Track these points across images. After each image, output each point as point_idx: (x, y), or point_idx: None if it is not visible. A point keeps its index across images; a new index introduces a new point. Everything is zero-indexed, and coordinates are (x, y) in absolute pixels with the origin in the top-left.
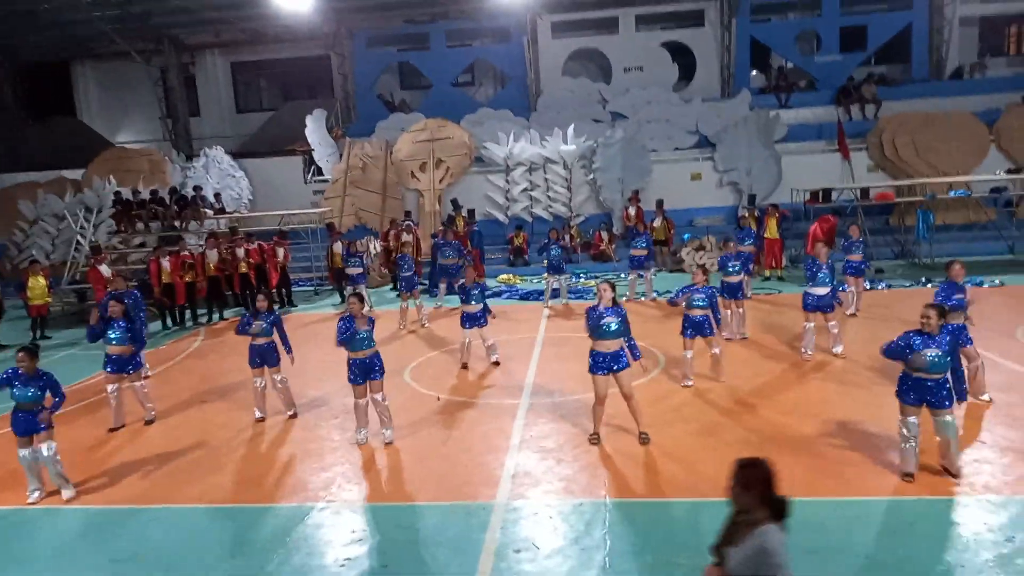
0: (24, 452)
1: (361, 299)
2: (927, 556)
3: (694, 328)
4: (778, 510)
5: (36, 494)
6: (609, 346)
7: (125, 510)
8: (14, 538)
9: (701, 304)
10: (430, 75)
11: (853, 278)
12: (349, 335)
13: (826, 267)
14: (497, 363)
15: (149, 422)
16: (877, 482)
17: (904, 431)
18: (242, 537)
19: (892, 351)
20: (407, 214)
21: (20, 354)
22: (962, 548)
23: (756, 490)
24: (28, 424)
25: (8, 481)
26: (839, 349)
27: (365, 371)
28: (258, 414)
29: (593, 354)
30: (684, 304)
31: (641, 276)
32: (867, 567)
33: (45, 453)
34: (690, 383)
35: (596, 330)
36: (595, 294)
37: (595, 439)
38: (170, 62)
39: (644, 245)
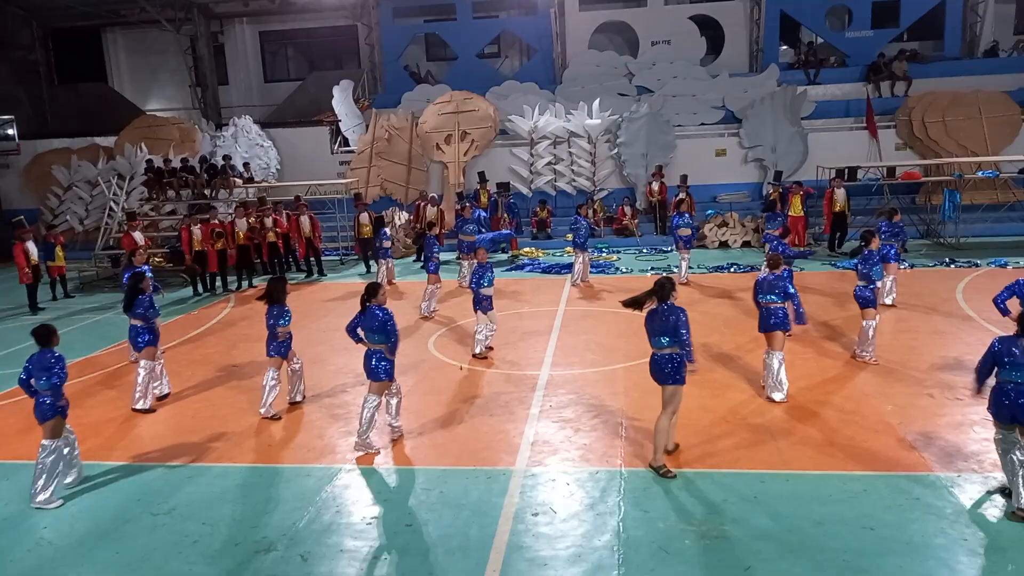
0: (45, 442)
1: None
2: (928, 529)
3: (763, 322)
4: None
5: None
6: (657, 350)
7: (160, 468)
8: None
9: (774, 296)
10: (456, 47)
11: (887, 264)
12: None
13: (877, 257)
14: (478, 356)
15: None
16: (886, 458)
17: (1000, 451)
18: (273, 495)
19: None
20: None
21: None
22: (964, 523)
23: None
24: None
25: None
26: (870, 355)
27: (365, 363)
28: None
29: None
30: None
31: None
32: (868, 536)
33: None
34: (780, 397)
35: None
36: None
37: (668, 472)
38: (199, 31)
39: (688, 224)
